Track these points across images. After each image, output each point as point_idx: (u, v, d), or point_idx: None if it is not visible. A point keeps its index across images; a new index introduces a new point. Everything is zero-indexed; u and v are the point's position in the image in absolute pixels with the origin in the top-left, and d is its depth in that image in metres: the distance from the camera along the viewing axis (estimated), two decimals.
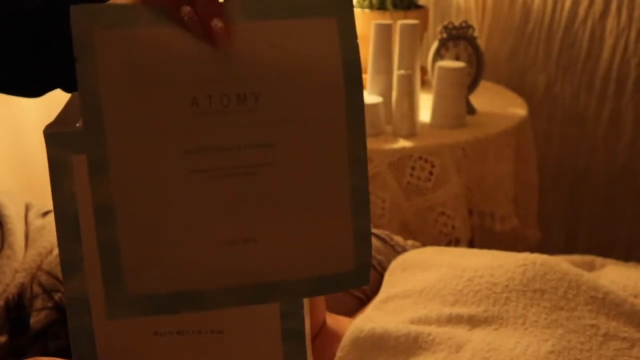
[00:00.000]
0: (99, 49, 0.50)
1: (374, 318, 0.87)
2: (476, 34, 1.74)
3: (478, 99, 1.72)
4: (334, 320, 0.88)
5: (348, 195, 0.53)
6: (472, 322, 0.82)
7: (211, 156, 0.51)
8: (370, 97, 1.57)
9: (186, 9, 0.50)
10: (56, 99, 1.57)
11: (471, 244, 1.59)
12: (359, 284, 0.55)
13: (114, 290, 0.52)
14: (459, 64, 1.58)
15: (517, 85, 2.03)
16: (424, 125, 1.60)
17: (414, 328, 0.80)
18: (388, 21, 1.61)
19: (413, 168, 1.47)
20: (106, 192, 0.51)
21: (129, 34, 0.50)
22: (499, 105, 1.77)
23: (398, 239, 1.14)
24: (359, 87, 0.53)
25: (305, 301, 0.60)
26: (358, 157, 0.53)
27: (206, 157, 0.51)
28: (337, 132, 0.52)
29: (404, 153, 1.47)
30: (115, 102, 0.50)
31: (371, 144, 1.47)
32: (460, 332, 0.80)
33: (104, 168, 0.50)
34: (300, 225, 0.53)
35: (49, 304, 0.93)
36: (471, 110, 1.67)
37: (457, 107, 1.58)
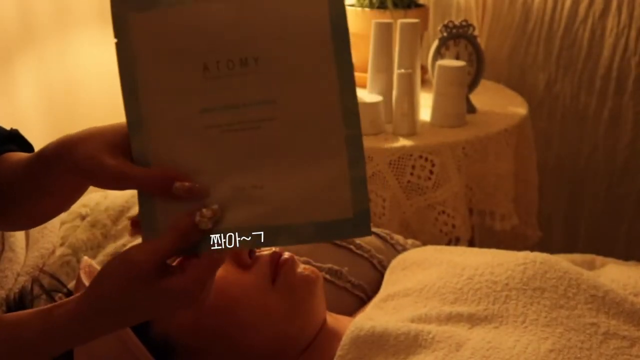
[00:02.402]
0: (132, 29, 0.59)
1: (374, 317, 0.87)
2: (476, 32, 1.74)
3: (478, 98, 1.72)
4: (334, 320, 0.88)
5: (344, 145, 0.58)
6: (472, 320, 0.82)
7: (222, 113, 0.59)
8: (370, 96, 1.57)
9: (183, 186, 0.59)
10: (56, 98, 1.58)
11: (471, 243, 1.59)
12: (361, 232, 0.59)
13: (147, 230, 0.59)
14: (459, 63, 1.58)
15: (517, 84, 2.03)
16: (424, 124, 1.60)
17: (414, 326, 0.80)
18: (388, 20, 1.61)
19: (413, 167, 1.47)
20: (141, 145, 0.60)
21: (154, 15, 0.59)
22: (499, 104, 1.77)
23: (398, 237, 1.14)
24: (347, 44, 0.58)
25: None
26: (350, 109, 0.58)
27: (218, 115, 0.59)
28: (329, 86, 0.58)
29: (404, 152, 1.47)
30: (146, 71, 0.59)
31: (371, 142, 1.47)
32: (460, 331, 0.80)
33: (139, 125, 0.60)
34: (301, 173, 0.58)
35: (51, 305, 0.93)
36: (471, 109, 1.66)
37: (457, 106, 1.58)
